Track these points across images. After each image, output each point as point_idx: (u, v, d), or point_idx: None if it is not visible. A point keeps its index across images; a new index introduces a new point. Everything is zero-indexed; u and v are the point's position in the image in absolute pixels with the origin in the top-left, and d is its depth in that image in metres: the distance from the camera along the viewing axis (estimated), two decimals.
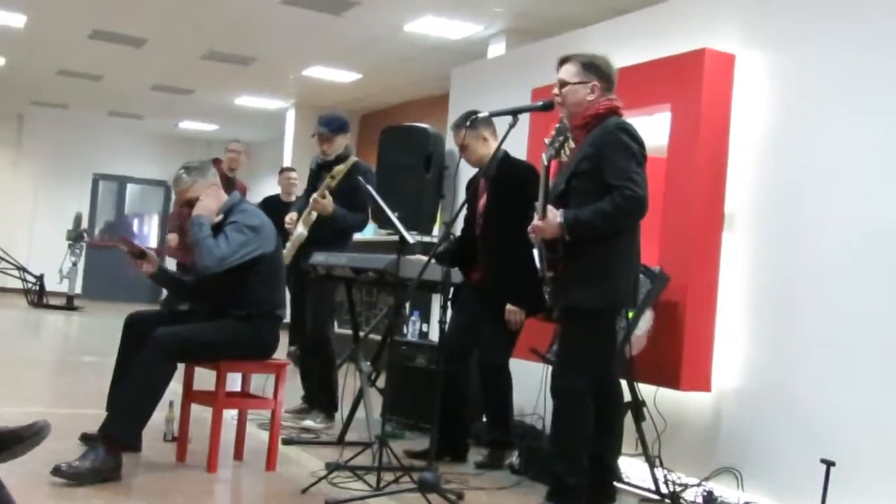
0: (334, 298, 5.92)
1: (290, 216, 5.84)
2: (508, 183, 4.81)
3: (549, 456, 3.99)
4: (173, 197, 4.66)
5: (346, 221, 5.67)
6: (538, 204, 3.78)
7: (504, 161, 4.93)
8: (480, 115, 4.61)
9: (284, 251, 5.66)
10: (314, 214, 5.60)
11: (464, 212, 4.98)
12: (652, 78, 5.00)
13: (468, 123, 4.76)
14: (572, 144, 3.88)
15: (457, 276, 4.89)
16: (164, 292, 14.02)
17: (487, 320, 4.85)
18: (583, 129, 3.88)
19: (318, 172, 5.88)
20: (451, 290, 4.92)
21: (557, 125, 3.83)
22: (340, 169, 5.51)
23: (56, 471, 3.77)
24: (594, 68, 3.90)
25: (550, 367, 3.95)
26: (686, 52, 4.90)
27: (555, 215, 3.72)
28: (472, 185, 4.99)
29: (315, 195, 5.58)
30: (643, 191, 3.69)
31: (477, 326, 4.92)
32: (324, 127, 5.78)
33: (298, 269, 5.60)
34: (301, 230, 5.63)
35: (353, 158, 5.73)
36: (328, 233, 5.60)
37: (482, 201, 4.95)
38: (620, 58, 4.70)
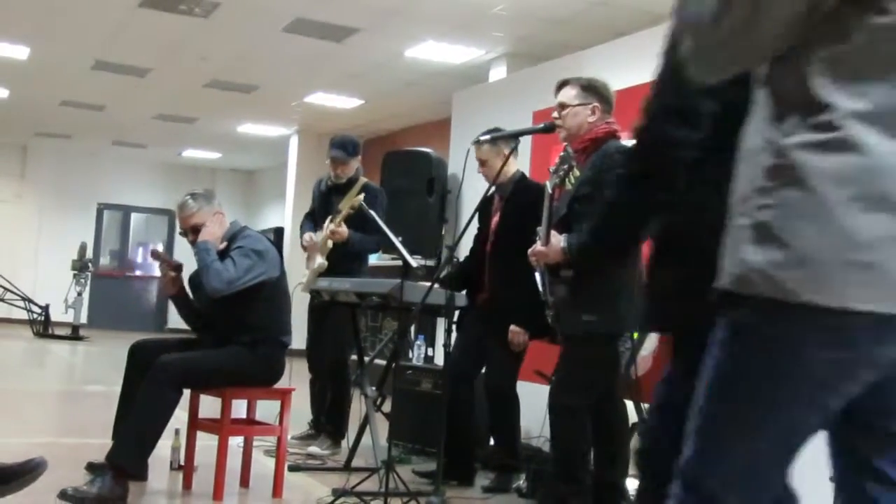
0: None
1: (308, 235, 5.83)
2: (523, 203, 4.79)
3: (551, 477, 3.98)
4: (177, 225, 4.67)
5: (362, 245, 5.67)
6: (541, 229, 3.79)
7: (520, 182, 4.94)
8: (482, 138, 4.62)
9: (304, 280, 5.65)
10: (330, 243, 5.59)
11: (471, 231, 4.97)
12: None
13: (489, 139, 4.71)
14: (577, 173, 3.90)
15: (461, 299, 4.89)
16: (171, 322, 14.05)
17: (494, 343, 4.85)
18: (582, 152, 3.89)
19: (328, 195, 5.87)
20: (457, 313, 4.93)
21: (562, 153, 3.84)
22: (357, 199, 5.45)
23: (62, 495, 3.79)
24: (593, 90, 3.93)
25: None
26: None
27: (558, 240, 3.73)
28: (486, 204, 4.93)
29: (331, 227, 5.55)
30: None
31: (482, 349, 4.92)
32: (340, 151, 5.75)
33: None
34: (320, 260, 5.62)
35: (363, 180, 5.73)
36: (345, 260, 5.59)
37: (495, 219, 4.96)
38: (620, 80, 4.72)
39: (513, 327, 4.74)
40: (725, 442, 1.55)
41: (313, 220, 5.96)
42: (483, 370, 5.03)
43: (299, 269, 5.87)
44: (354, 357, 5.71)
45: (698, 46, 1.49)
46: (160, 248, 17.23)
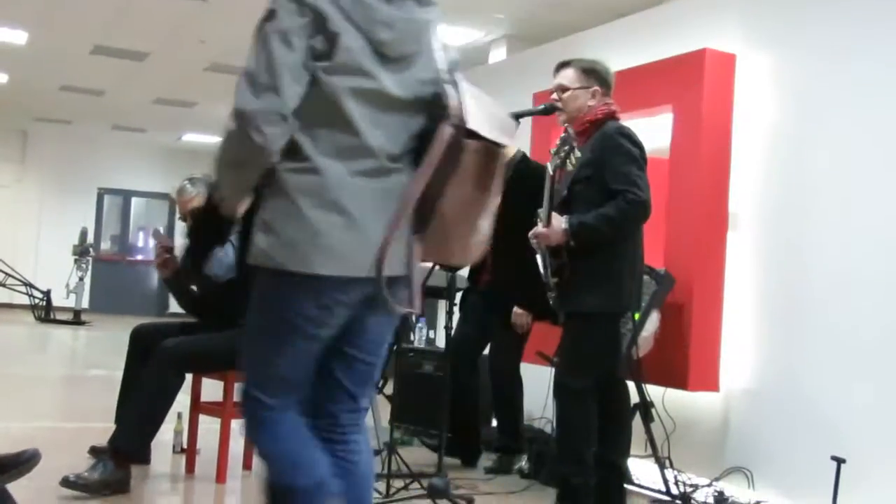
0: None
1: None
2: (524, 185, 4.76)
3: (555, 458, 3.99)
4: (177, 210, 4.66)
5: None
6: (542, 211, 3.79)
7: (521, 163, 4.93)
8: None
9: None
10: None
11: None
12: (653, 79, 5.00)
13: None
14: (578, 154, 3.89)
15: (461, 281, 4.89)
16: (172, 306, 14.08)
17: (497, 326, 4.85)
18: (581, 134, 3.89)
19: None
20: (459, 295, 4.94)
21: (563, 135, 3.84)
22: None
23: (65, 481, 3.78)
24: (594, 73, 3.91)
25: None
26: (687, 53, 4.90)
27: (559, 222, 3.73)
28: None
29: None
30: (646, 194, 3.69)
31: (485, 332, 4.92)
32: None
33: None
34: None
35: None
36: None
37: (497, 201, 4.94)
38: (621, 60, 4.71)
39: (516, 309, 4.74)
40: (259, 361, 2.32)
41: None
42: (486, 352, 5.04)
43: None
44: None
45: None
46: (161, 230, 17.22)
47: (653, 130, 4.78)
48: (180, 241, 4.78)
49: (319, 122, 2.22)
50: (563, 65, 3.99)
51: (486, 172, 2.41)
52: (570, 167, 3.91)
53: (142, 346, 4.40)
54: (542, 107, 4.05)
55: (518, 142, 4.92)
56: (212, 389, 4.45)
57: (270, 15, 2.30)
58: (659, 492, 4.40)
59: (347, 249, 2.20)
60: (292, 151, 2.22)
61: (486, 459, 5.01)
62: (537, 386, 4.80)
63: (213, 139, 16.63)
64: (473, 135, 2.32)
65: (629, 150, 3.74)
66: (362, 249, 2.22)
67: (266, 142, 2.16)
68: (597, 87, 3.90)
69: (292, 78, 2.19)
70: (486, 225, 2.49)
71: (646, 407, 4.42)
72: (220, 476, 4.25)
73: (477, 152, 2.36)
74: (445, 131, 2.28)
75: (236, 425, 4.48)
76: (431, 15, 2.40)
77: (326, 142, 2.22)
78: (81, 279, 14.55)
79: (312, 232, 2.18)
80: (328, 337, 2.30)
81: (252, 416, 2.36)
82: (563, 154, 3.80)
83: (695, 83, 4.80)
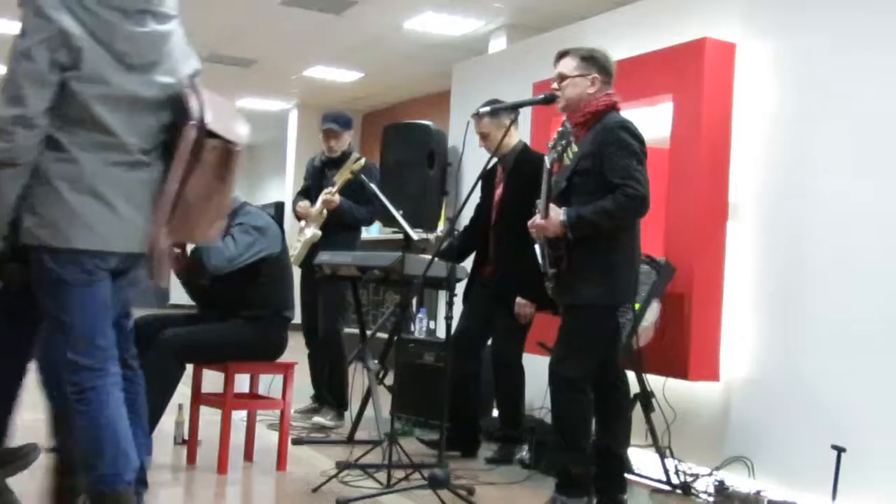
0: (346, 296, 5.90)
1: (302, 204, 5.87)
2: (526, 175, 4.74)
3: (554, 448, 4.00)
4: None
5: (354, 214, 5.70)
6: (540, 202, 3.78)
7: (522, 153, 4.92)
8: (482, 110, 4.60)
9: (295, 252, 5.67)
10: (325, 213, 5.62)
11: (474, 201, 4.95)
12: (653, 69, 4.99)
13: (490, 111, 4.67)
14: (575, 148, 3.88)
15: (462, 272, 4.88)
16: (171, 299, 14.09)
17: (500, 316, 4.85)
18: (582, 126, 3.87)
19: (322, 170, 5.91)
20: (464, 285, 4.94)
21: (560, 129, 3.83)
22: (358, 163, 5.51)
23: None
24: (593, 61, 3.90)
25: None
26: (687, 42, 4.89)
27: (557, 213, 3.72)
28: (489, 175, 4.86)
29: (327, 196, 5.59)
30: (645, 189, 3.69)
31: (488, 323, 4.92)
32: (333, 123, 5.83)
33: (310, 269, 5.59)
34: (314, 230, 5.65)
35: (356, 155, 5.77)
36: (339, 231, 5.63)
37: (499, 191, 4.94)
38: (621, 49, 4.70)
39: (519, 299, 4.74)
40: (63, 329, 2.73)
41: (307, 197, 5.97)
42: (489, 342, 5.03)
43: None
44: (354, 330, 5.71)
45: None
46: None
47: (653, 120, 4.77)
48: None
49: (75, 122, 2.66)
50: (562, 54, 3.98)
51: (224, 166, 2.88)
52: (566, 161, 3.91)
53: (143, 339, 4.39)
54: (542, 96, 4.04)
55: (519, 132, 4.92)
56: (213, 380, 4.45)
57: (21, 33, 2.62)
58: (659, 481, 4.41)
59: (101, 227, 2.69)
60: (53, 145, 2.67)
61: (487, 449, 5.02)
62: (538, 376, 4.80)
63: None
64: (213, 134, 2.80)
65: (629, 143, 3.73)
66: (115, 228, 2.72)
67: (13, 142, 2.57)
68: (596, 75, 3.88)
69: (34, 87, 2.58)
70: (224, 210, 3.13)
71: (646, 396, 4.42)
72: (222, 467, 4.26)
73: (216, 149, 2.83)
74: (190, 133, 2.76)
75: (237, 416, 4.49)
76: (169, 27, 2.88)
77: (83, 138, 2.67)
78: None
79: (70, 212, 2.65)
80: (104, 285, 2.76)
81: (76, 386, 2.76)
82: (559, 148, 3.80)
83: (695, 72, 4.79)
